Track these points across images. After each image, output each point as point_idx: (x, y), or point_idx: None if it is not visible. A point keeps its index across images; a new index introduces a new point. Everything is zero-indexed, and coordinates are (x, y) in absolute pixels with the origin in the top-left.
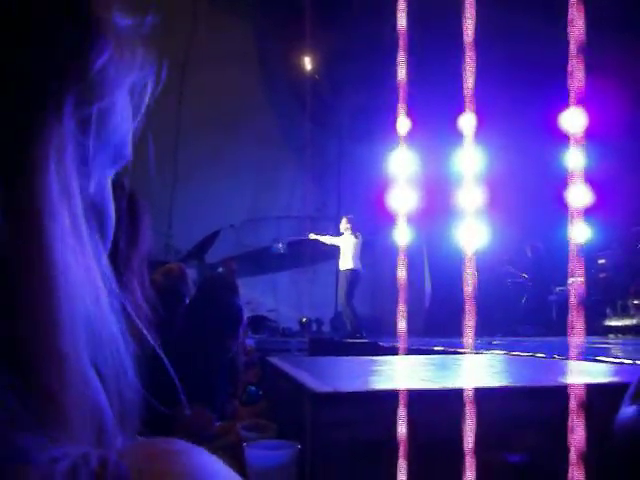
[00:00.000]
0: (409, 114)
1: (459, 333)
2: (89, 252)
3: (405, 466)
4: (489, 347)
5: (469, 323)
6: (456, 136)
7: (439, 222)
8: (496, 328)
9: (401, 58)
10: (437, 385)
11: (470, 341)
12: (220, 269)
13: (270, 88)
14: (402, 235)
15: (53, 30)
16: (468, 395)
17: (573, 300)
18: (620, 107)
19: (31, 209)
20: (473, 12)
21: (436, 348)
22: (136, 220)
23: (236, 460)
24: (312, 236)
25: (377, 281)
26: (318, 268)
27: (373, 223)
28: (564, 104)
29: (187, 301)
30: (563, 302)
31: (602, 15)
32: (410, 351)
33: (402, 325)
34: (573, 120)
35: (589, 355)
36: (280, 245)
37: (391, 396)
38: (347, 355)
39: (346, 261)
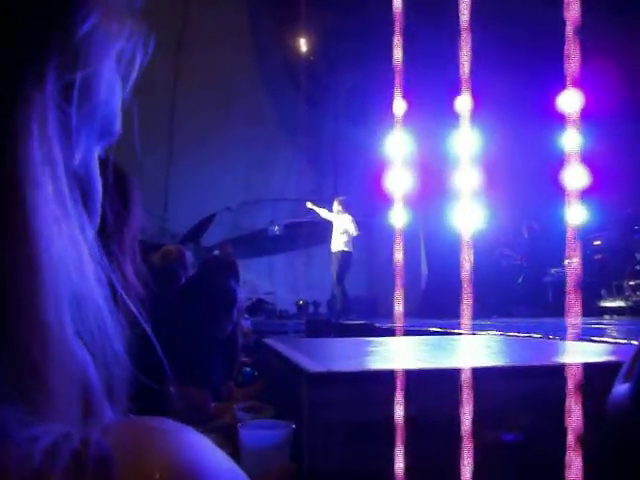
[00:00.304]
0: (405, 96)
1: (455, 314)
2: (73, 222)
3: (401, 446)
4: (485, 328)
5: (465, 305)
6: (453, 118)
7: (435, 204)
8: (492, 309)
9: (397, 41)
10: (432, 365)
11: (466, 322)
12: (216, 252)
13: (264, 67)
14: (398, 217)
15: None
16: (464, 375)
17: (569, 282)
18: (616, 89)
19: (13, 177)
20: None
21: (432, 329)
22: (126, 196)
23: (232, 441)
24: (309, 205)
25: (373, 263)
26: (314, 250)
27: (369, 205)
28: (561, 86)
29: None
30: (559, 283)
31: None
32: (406, 332)
33: (399, 307)
34: (569, 102)
35: (584, 335)
36: (276, 227)
37: (386, 376)
38: (343, 336)
39: (337, 243)
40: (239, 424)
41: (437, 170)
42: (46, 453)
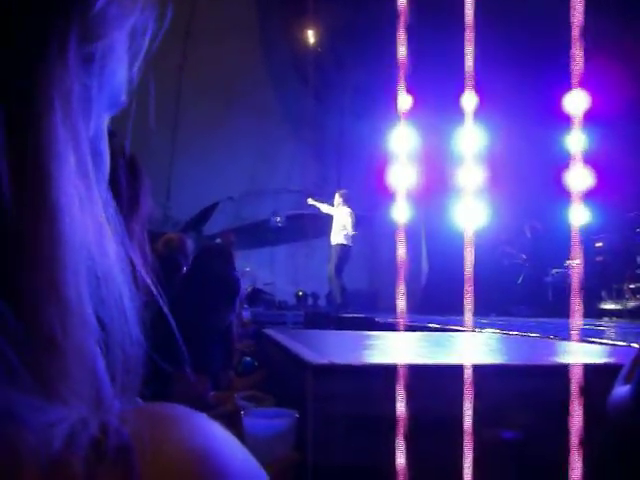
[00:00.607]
0: (411, 91)
1: (455, 311)
2: (96, 197)
3: (401, 440)
4: (484, 326)
5: (467, 302)
6: (458, 114)
7: (438, 200)
8: (491, 307)
9: (401, 36)
10: (434, 361)
11: (468, 320)
12: (218, 241)
13: (271, 60)
14: (401, 212)
15: None
16: (465, 372)
17: (571, 283)
18: (622, 90)
19: (37, 151)
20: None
21: (431, 325)
22: (137, 183)
23: (234, 429)
24: (310, 201)
25: (374, 257)
26: (315, 243)
27: (372, 199)
28: (567, 86)
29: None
30: (559, 284)
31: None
32: (406, 328)
33: (401, 304)
34: (575, 102)
35: (583, 337)
36: (278, 219)
37: (388, 370)
38: (343, 330)
39: (337, 236)
40: (243, 412)
41: (441, 166)
42: (65, 440)
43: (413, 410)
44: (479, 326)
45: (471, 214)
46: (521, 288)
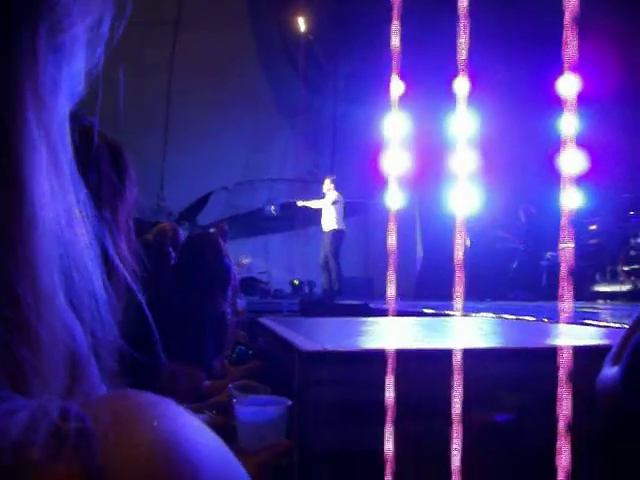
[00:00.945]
0: (404, 77)
1: (450, 297)
2: (68, 186)
3: (392, 426)
4: (478, 310)
5: (459, 287)
6: (451, 99)
7: (432, 185)
8: (486, 292)
9: (394, 27)
10: (426, 345)
11: (459, 304)
12: (212, 230)
13: (263, 49)
14: (394, 199)
15: None
16: (457, 356)
17: (563, 266)
18: (615, 73)
19: (9, 140)
20: None
21: (426, 311)
22: (120, 170)
23: (227, 419)
24: (300, 203)
25: (369, 244)
26: (310, 231)
27: (366, 186)
28: (559, 69)
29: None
30: (553, 267)
31: None
32: (400, 314)
33: (392, 289)
34: (567, 85)
35: (577, 319)
36: (272, 207)
37: (380, 355)
38: (338, 317)
39: (329, 222)
40: (234, 400)
41: (434, 152)
42: (24, 427)
43: (403, 395)
44: (474, 310)
45: (465, 199)
46: (516, 272)
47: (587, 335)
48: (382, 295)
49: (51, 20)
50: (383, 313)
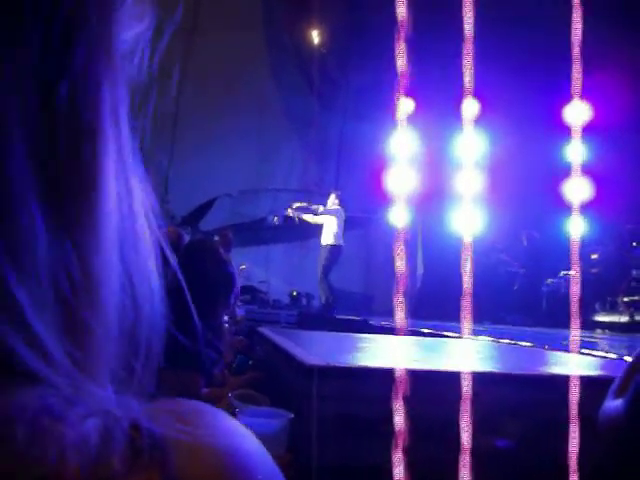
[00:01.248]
0: (413, 96)
1: (448, 316)
2: (135, 181)
3: (396, 443)
4: (478, 333)
5: (465, 310)
6: (459, 120)
7: (436, 205)
8: (485, 315)
9: (401, 48)
10: (430, 366)
11: (466, 327)
12: (216, 238)
13: (275, 59)
14: (399, 216)
15: None
16: (462, 379)
17: (565, 293)
18: (622, 102)
19: (88, 128)
20: (471, 7)
21: (424, 330)
22: None
23: None
24: (290, 212)
25: (370, 260)
26: (311, 243)
27: (369, 201)
28: (568, 96)
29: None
30: (554, 294)
31: (606, 9)
32: (399, 332)
33: (400, 310)
34: (575, 113)
35: (577, 348)
36: (275, 218)
37: (384, 374)
38: (337, 331)
39: (328, 236)
40: (237, 410)
41: (439, 171)
42: (100, 435)
43: (407, 414)
44: (473, 333)
45: (469, 221)
46: (515, 296)
47: (586, 365)
48: (381, 312)
49: (119, 19)
50: (383, 330)
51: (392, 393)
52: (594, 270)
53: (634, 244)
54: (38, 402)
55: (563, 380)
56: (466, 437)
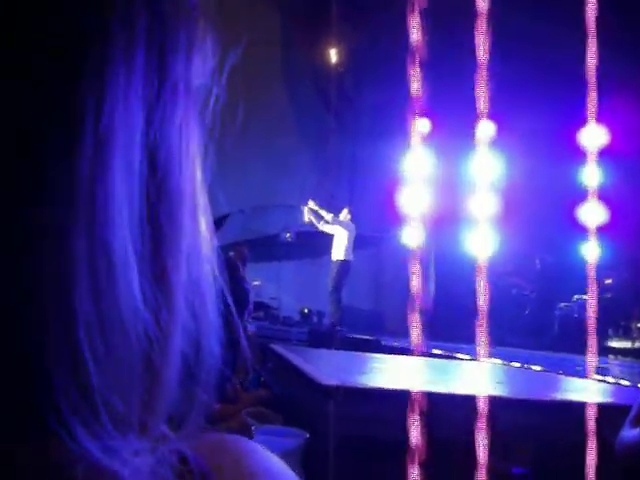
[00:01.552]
0: (429, 116)
1: (459, 338)
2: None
3: (414, 467)
4: (490, 356)
5: (481, 333)
6: (474, 141)
7: (449, 226)
8: (496, 337)
9: (416, 73)
10: (447, 390)
11: (481, 349)
12: (231, 254)
13: (291, 77)
14: (412, 237)
15: None
16: (479, 402)
17: (578, 318)
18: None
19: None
20: (485, 29)
21: (437, 352)
22: None
23: None
24: (306, 215)
25: (380, 278)
26: (323, 260)
27: (381, 220)
28: (584, 119)
29: None
30: (567, 318)
31: (623, 32)
32: (409, 352)
33: (416, 331)
34: (591, 136)
35: (590, 374)
36: (288, 234)
37: (402, 396)
38: (347, 350)
39: (339, 251)
40: (253, 428)
41: (454, 192)
42: (151, 471)
43: (423, 436)
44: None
45: (482, 243)
46: (527, 320)
47: (599, 391)
48: (392, 330)
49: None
50: (395, 351)
51: (408, 415)
52: (608, 295)
53: None
54: (94, 443)
55: (580, 407)
56: (481, 460)
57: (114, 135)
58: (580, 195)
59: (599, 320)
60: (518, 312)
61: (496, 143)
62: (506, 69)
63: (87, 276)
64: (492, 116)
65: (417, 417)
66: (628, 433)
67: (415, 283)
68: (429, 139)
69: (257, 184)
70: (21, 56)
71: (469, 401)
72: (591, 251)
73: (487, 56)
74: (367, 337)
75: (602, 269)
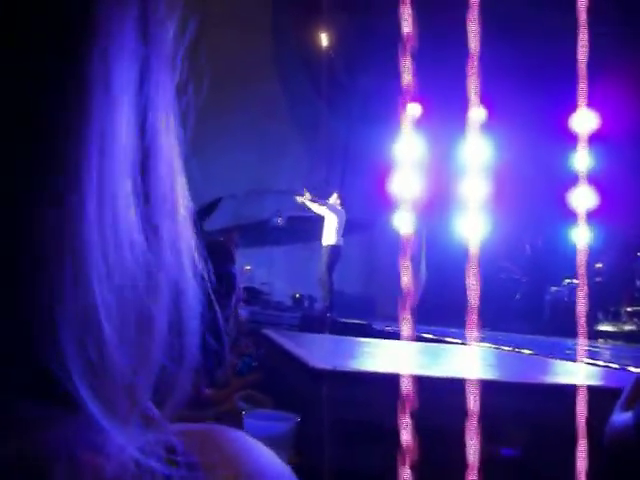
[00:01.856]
0: (420, 101)
1: (449, 322)
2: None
3: (404, 450)
4: (480, 340)
5: (470, 317)
6: (465, 126)
7: (440, 210)
8: (486, 321)
9: (407, 64)
10: (437, 373)
11: (471, 334)
12: (221, 239)
13: (282, 61)
14: (404, 221)
15: None
16: (468, 386)
17: (569, 302)
18: (630, 110)
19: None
20: (477, 14)
21: (428, 336)
22: None
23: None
24: (300, 199)
25: (373, 262)
26: (315, 245)
27: (373, 204)
28: (575, 104)
29: None
30: (557, 302)
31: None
32: (402, 337)
33: (406, 317)
34: (582, 121)
35: (578, 357)
36: (279, 219)
37: (390, 379)
38: (339, 335)
39: (330, 235)
40: (244, 413)
41: (445, 177)
42: (138, 462)
43: (414, 420)
44: (477, 340)
45: (473, 227)
46: (517, 304)
47: (589, 375)
48: (384, 315)
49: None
50: (386, 335)
51: (398, 398)
52: (597, 279)
53: (639, 254)
54: (78, 436)
55: (571, 390)
56: (472, 444)
57: (120, 100)
58: (570, 180)
59: (589, 304)
60: (509, 296)
61: (487, 128)
62: (497, 55)
63: (97, 232)
64: (483, 101)
65: (408, 401)
66: (618, 417)
67: (406, 268)
68: (421, 124)
69: (249, 169)
70: (22, 34)
71: (460, 384)
72: (581, 235)
73: (478, 41)
74: (358, 321)
75: (592, 253)
